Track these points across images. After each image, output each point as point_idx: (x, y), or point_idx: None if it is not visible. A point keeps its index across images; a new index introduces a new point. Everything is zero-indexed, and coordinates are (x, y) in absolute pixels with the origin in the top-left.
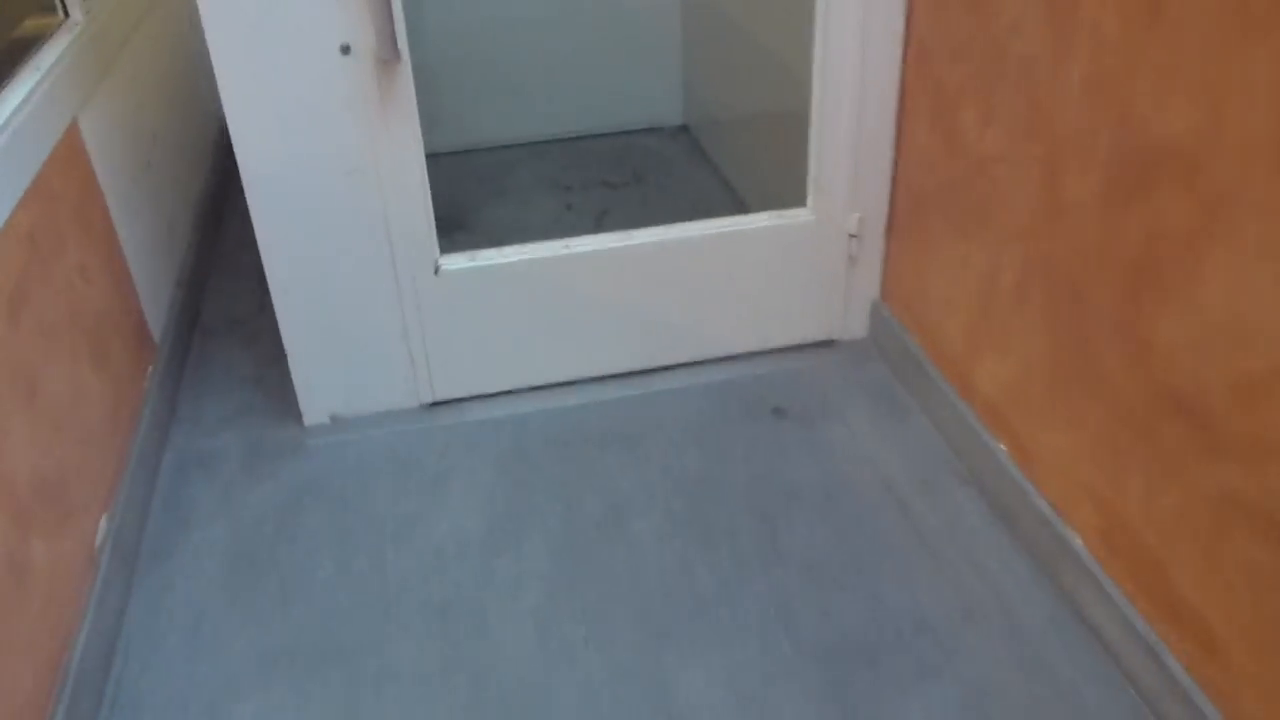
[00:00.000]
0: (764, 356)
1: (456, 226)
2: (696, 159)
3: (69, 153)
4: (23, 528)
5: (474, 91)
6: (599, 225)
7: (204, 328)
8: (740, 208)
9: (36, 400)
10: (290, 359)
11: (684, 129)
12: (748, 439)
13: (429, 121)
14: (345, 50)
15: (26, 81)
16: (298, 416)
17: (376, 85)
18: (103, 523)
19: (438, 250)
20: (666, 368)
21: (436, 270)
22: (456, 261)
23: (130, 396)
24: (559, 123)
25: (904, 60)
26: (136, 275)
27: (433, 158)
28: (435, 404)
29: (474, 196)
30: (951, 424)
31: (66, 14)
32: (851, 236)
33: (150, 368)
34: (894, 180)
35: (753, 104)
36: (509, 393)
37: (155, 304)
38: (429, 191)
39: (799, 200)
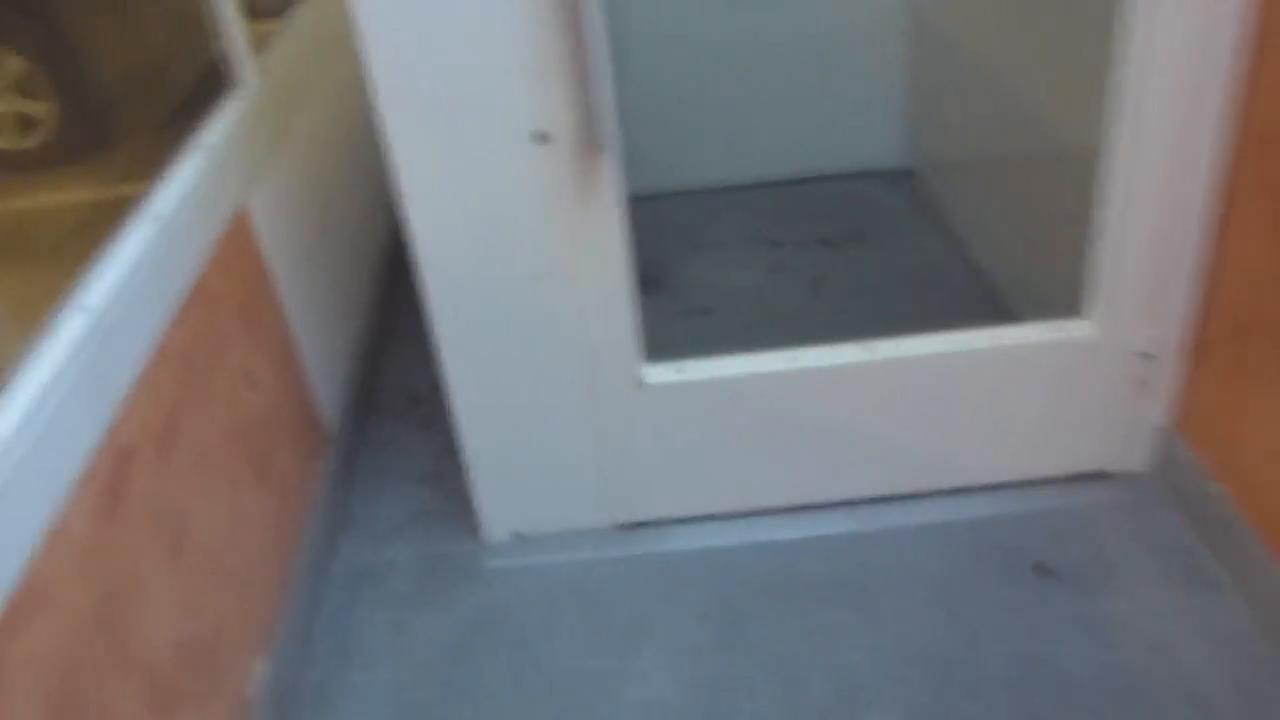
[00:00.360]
0: (1020, 490)
1: (652, 285)
2: (925, 213)
3: (236, 243)
4: (164, 713)
5: (672, 127)
6: (814, 292)
7: (379, 406)
8: (978, 277)
9: (184, 552)
10: (471, 474)
11: (908, 174)
12: (1005, 606)
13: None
14: (541, 138)
15: (188, 168)
16: (476, 527)
17: (576, 178)
18: (258, 666)
19: (642, 361)
20: (900, 497)
21: (639, 384)
22: (662, 374)
23: (297, 503)
24: (765, 164)
25: (1233, 149)
26: (308, 363)
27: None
28: (630, 525)
29: (671, 250)
30: (1278, 611)
31: (237, 82)
32: (1141, 356)
33: (321, 464)
34: (1204, 294)
35: (999, 153)
36: (714, 517)
37: (328, 387)
38: (633, 296)
39: (1055, 281)
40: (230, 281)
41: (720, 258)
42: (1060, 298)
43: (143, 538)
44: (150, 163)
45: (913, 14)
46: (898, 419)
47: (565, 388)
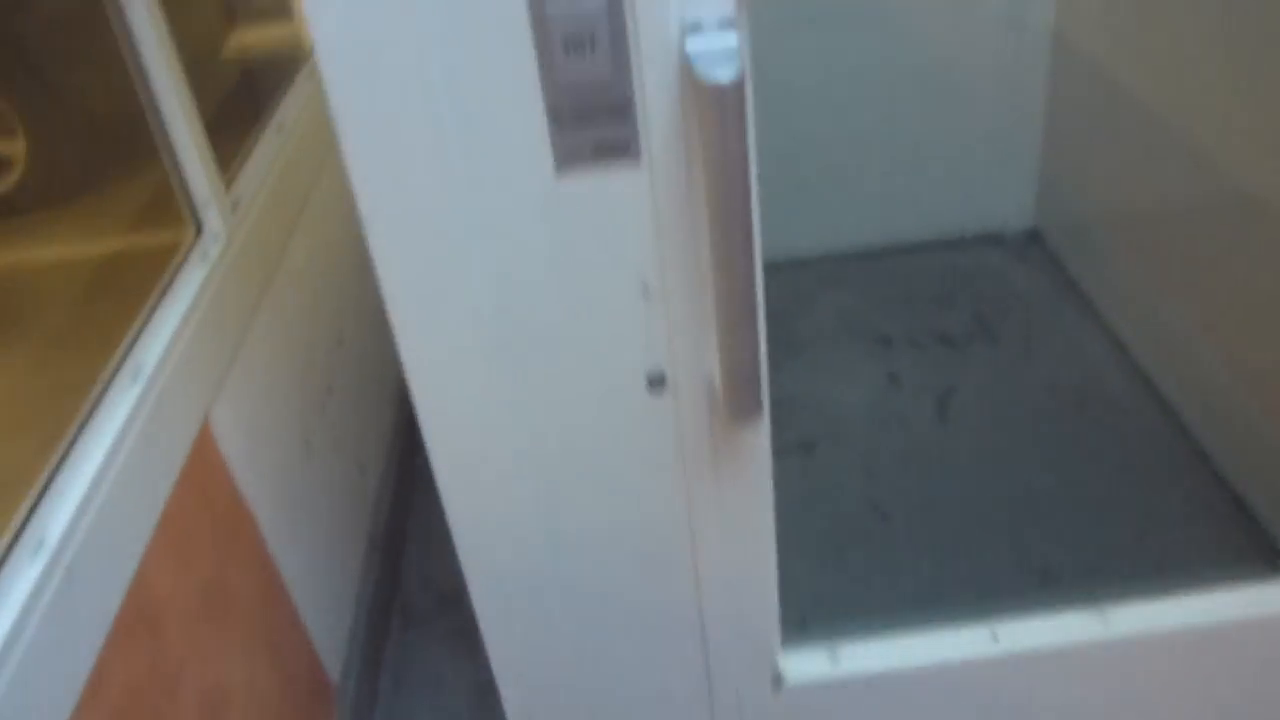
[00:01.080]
0: None
1: None
2: (1064, 291)
3: (193, 494)
4: None
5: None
6: (941, 416)
7: (405, 610)
8: (1153, 398)
9: None
10: None
11: (1035, 236)
12: None
13: None
14: (656, 383)
15: (105, 433)
16: None
17: (708, 438)
18: None
19: (780, 653)
20: None
21: (776, 681)
22: (807, 665)
23: None
24: (861, 229)
25: None
26: (307, 615)
27: None
28: None
29: None
30: None
31: (200, 229)
32: None
33: None
34: None
35: (1180, 220)
36: None
37: (334, 628)
38: (776, 581)
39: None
40: (184, 572)
41: (818, 363)
42: None
43: None
44: (126, 212)
45: (1053, 37)
46: (1132, 703)
47: (672, 692)
